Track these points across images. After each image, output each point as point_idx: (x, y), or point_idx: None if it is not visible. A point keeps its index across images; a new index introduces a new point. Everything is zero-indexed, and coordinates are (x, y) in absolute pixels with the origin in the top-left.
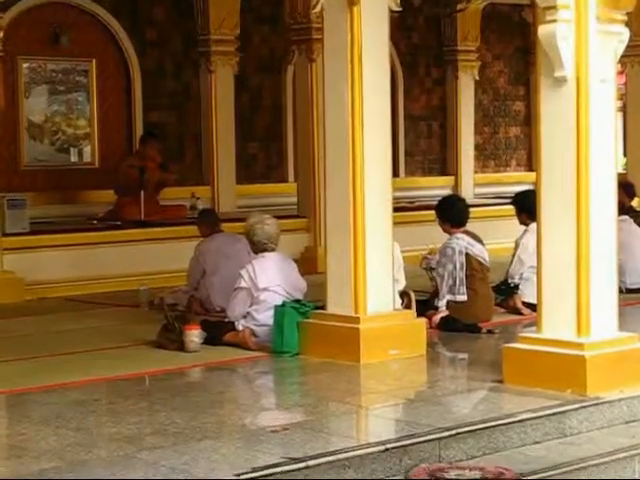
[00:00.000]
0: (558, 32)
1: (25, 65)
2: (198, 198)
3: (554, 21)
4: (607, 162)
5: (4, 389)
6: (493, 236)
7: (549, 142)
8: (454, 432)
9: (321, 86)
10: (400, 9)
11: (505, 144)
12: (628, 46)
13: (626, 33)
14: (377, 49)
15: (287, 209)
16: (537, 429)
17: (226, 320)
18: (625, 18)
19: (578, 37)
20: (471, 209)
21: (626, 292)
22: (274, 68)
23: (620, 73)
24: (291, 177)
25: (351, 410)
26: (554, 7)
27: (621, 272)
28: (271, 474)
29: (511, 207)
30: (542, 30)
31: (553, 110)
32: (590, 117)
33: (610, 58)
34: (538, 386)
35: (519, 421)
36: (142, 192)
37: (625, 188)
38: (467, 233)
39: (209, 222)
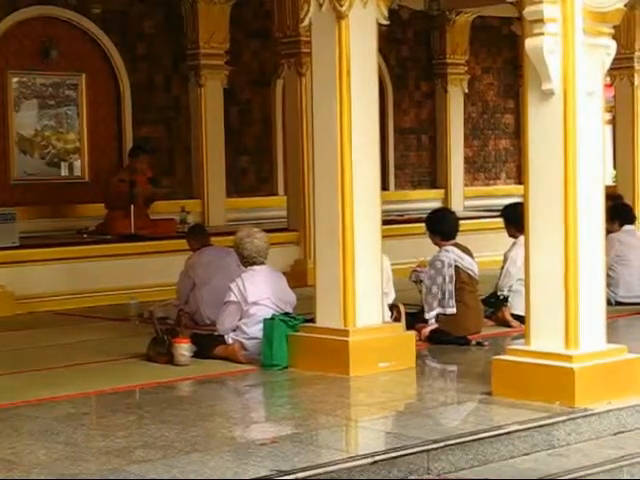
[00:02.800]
0: (545, 45)
1: (15, 79)
2: (188, 212)
3: (541, 34)
4: (594, 174)
5: None
6: (483, 249)
7: (536, 155)
8: (442, 444)
9: (310, 100)
10: (388, 22)
11: (495, 157)
12: (617, 59)
13: (613, 46)
14: (366, 62)
15: (277, 222)
16: (525, 441)
17: (216, 333)
18: (612, 31)
19: (565, 50)
20: (461, 222)
21: (615, 304)
22: (264, 82)
23: (608, 86)
24: (281, 190)
25: (340, 423)
26: (541, 20)
27: (614, 284)
28: None
29: (501, 220)
30: (529, 43)
31: (540, 123)
32: (577, 130)
33: (597, 71)
34: (527, 398)
35: (507, 433)
36: (132, 206)
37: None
38: (457, 246)
39: (198, 236)
